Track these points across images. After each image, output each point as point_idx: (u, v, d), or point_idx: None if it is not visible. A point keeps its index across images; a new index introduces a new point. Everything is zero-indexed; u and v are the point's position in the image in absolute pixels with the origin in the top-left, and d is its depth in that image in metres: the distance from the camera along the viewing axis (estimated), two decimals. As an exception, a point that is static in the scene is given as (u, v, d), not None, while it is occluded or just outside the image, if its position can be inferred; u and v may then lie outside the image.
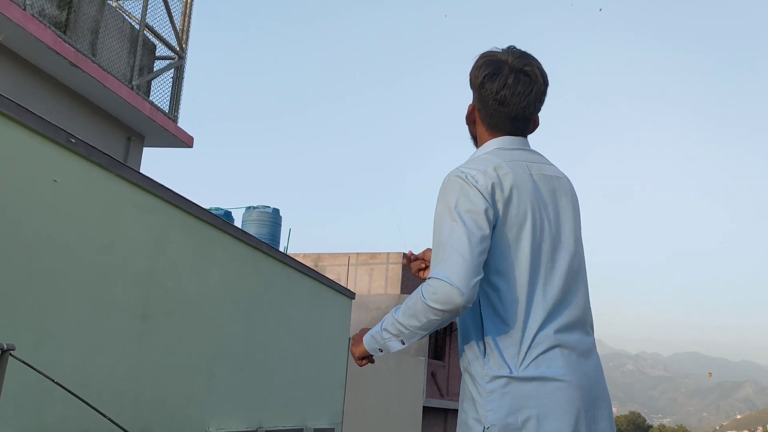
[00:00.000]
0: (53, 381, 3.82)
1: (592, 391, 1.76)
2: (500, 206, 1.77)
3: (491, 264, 1.76)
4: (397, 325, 1.74)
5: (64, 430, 4.73)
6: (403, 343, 1.75)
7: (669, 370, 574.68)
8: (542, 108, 1.94)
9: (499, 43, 1.93)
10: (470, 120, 1.98)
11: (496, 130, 1.92)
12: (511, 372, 1.71)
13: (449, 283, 1.63)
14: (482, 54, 1.92)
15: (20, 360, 3.52)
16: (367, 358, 1.88)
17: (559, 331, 1.77)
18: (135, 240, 5.50)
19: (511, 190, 1.78)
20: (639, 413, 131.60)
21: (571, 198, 1.92)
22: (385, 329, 1.77)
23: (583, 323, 1.85)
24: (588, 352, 1.81)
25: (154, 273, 5.73)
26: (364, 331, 1.85)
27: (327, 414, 9.93)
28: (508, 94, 1.85)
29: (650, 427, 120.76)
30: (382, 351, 1.80)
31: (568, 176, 1.97)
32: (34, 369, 3.75)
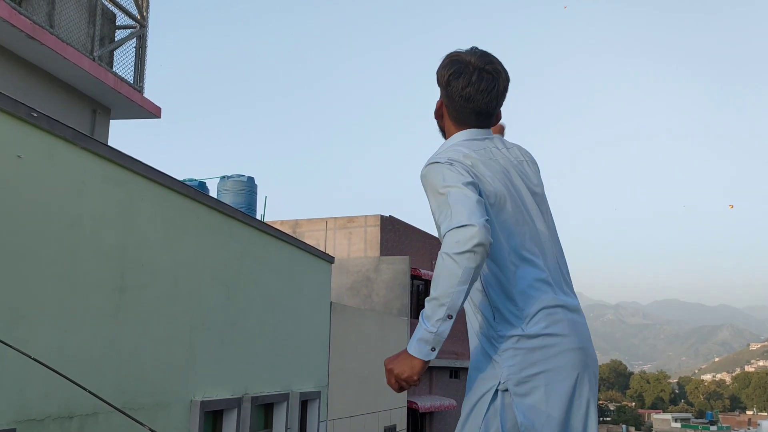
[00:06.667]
0: (30, 357, 3.77)
1: (588, 348, 1.96)
2: (483, 186, 1.93)
3: None
4: (437, 306, 1.73)
5: (47, 407, 4.71)
6: (451, 317, 1.73)
7: (648, 317, 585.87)
8: (504, 103, 2.11)
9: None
10: (438, 115, 2.15)
11: (463, 124, 2.08)
12: (522, 331, 1.88)
13: (464, 226, 1.71)
14: (448, 54, 2.09)
15: (-6, 338, 3.47)
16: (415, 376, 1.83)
17: (554, 291, 1.95)
18: (105, 214, 5.42)
19: (482, 173, 1.94)
20: (620, 361, 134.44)
21: (537, 175, 2.13)
22: (427, 322, 1.75)
23: (568, 283, 2.03)
24: (577, 309, 1.99)
25: (127, 246, 5.66)
26: (397, 356, 1.83)
27: (312, 378, 9.99)
28: (472, 90, 2.01)
29: (631, 373, 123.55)
30: (434, 349, 1.78)
31: (530, 152, 2.17)
32: (11, 347, 3.70)
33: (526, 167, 2.09)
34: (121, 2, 8.61)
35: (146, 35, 8.90)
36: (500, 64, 2.05)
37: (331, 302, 10.88)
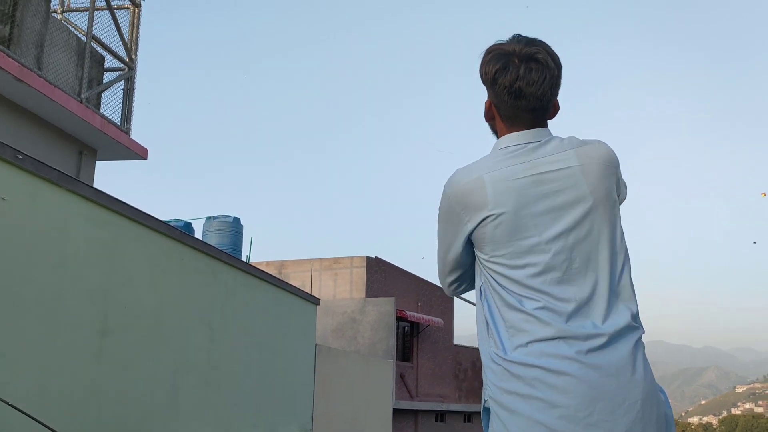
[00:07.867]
0: (7, 403, 3.72)
1: (604, 387, 1.63)
2: (483, 213, 1.80)
3: (492, 258, 1.81)
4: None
5: (24, 453, 4.61)
6: None
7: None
8: (559, 92, 1.88)
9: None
10: (489, 117, 1.94)
11: (516, 123, 1.86)
12: (504, 353, 1.71)
13: (439, 279, 2.06)
14: (489, 48, 1.87)
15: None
16: None
17: (554, 320, 1.71)
18: (89, 255, 5.39)
19: (483, 202, 1.79)
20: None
21: (597, 179, 1.81)
22: None
23: (597, 306, 1.73)
24: (594, 337, 1.68)
25: (111, 288, 5.62)
26: None
27: (297, 420, 9.86)
28: (522, 85, 1.79)
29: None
30: None
31: (600, 141, 1.87)
32: (-12, 392, 3.64)
33: (569, 178, 1.78)
34: (110, 45, 8.70)
35: (134, 77, 8.97)
36: (549, 49, 1.83)
37: (316, 344, 10.79)
